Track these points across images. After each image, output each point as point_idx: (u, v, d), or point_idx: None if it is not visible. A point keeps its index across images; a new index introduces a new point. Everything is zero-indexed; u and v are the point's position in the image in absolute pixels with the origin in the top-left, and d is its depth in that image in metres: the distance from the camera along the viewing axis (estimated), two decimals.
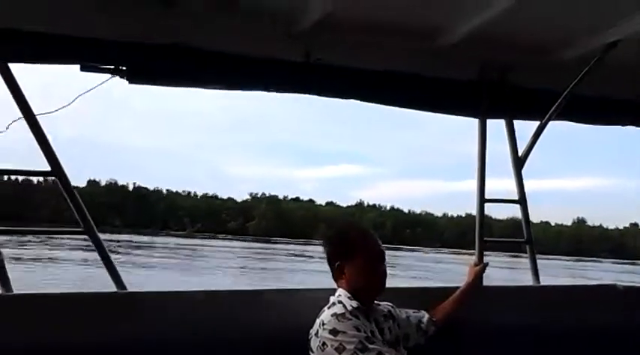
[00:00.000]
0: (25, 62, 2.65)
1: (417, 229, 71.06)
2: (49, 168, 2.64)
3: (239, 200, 79.58)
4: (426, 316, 2.85)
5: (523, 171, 3.50)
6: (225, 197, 78.93)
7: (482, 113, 3.37)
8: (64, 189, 2.67)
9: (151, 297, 2.80)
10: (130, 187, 74.33)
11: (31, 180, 49.60)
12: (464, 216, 71.98)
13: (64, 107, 2.71)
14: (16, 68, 2.59)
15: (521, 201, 3.53)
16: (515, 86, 3.39)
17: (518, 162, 3.48)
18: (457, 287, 3.12)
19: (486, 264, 3.26)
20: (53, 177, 2.66)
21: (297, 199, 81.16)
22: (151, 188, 76.74)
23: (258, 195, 79.40)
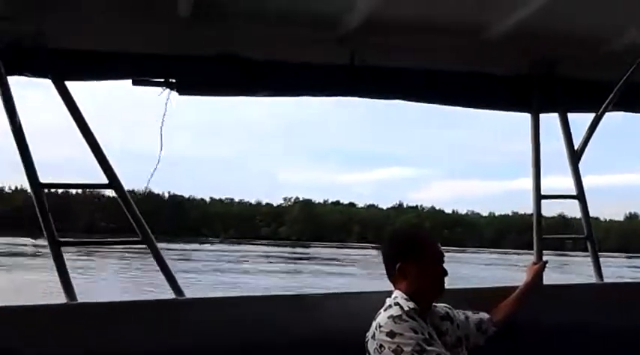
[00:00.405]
0: (80, 80, 2.76)
1: (457, 229, 68.74)
2: (106, 181, 2.73)
3: (275, 204, 78.94)
4: (486, 317, 2.81)
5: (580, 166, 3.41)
6: (262, 202, 78.10)
7: (535, 108, 3.30)
8: (121, 201, 2.75)
9: (208, 303, 2.86)
10: (166, 195, 74.31)
11: (69, 192, 50.71)
12: (510, 214, 70.24)
13: None
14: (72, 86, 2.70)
15: (580, 196, 3.43)
16: (567, 79, 3.31)
17: (575, 156, 3.39)
18: (516, 287, 3.05)
19: (546, 262, 3.19)
20: (111, 189, 2.74)
21: (337, 203, 79.71)
22: (186, 195, 76.51)
23: (292, 199, 78.47)
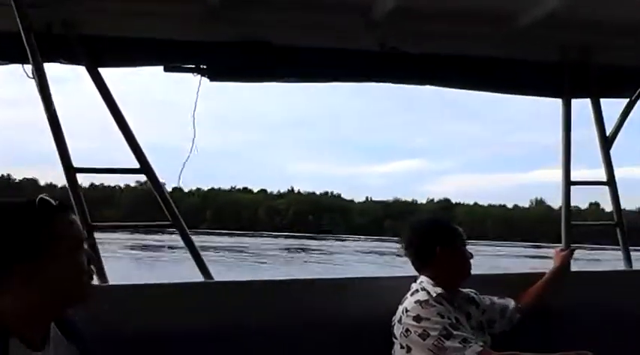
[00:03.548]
0: (113, 66, 2.80)
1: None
2: (138, 166, 2.78)
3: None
4: (512, 303, 2.81)
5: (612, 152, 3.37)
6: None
7: (566, 93, 3.27)
8: (153, 186, 2.80)
9: (235, 286, 2.90)
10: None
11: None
12: (527, 206, 66.44)
13: None
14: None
15: (610, 182, 3.39)
16: (598, 64, 3.27)
17: (606, 142, 3.35)
18: (543, 273, 3.05)
19: (574, 249, 3.17)
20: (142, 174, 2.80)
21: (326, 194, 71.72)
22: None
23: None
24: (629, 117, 3.41)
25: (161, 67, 2.87)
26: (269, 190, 66.00)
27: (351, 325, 2.77)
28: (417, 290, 2.46)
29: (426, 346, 2.29)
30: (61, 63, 2.72)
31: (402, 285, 2.57)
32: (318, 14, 2.82)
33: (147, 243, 30.95)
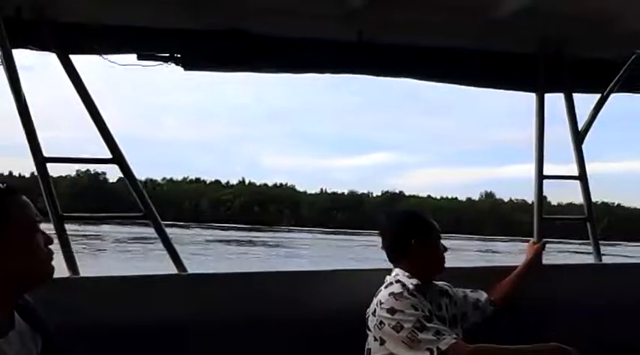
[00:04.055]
0: (85, 53, 2.75)
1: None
2: (110, 156, 2.73)
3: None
4: (484, 296, 2.83)
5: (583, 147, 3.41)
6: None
7: (540, 87, 3.30)
8: (125, 176, 2.76)
9: (210, 278, 2.88)
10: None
11: None
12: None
13: None
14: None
15: (582, 177, 3.43)
16: (573, 58, 3.30)
17: (578, 137, 3.39)
18: (516, 267, 3.08)
19: (546, 242, 3.20)
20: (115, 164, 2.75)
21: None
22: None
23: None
24: (600, 112, 3.45)
25: (134, 55, 2.82)
26: (223, 181, 64.46)
27: (325, 317, 2.77)
28: (391, 283, 2.46)
29: (399, 338, 2.29)
30: (30, 49, 2.65)
31: (376, 278, 2.57)
32: (296, 4, 2.79)
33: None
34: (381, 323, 2.34)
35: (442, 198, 63.26)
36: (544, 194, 3.38)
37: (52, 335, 1.72)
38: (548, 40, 3.21)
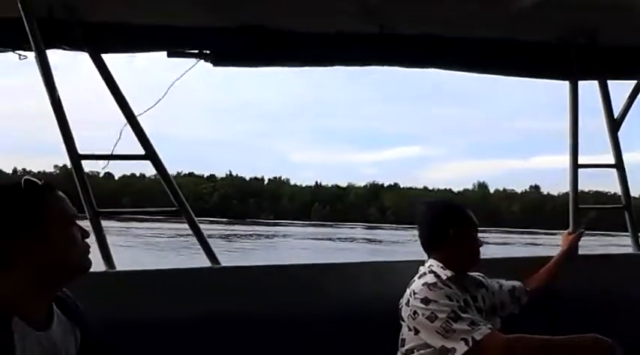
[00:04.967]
0: (116, 52, 2.79)
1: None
2: (143, 152, 2.77)
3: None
4: (519, 285, 2.80)
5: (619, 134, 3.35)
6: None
7: (573, 75, 3.24)
8: (158, 172, 2.80)
9: (242, 271, 2.90)
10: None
11: None
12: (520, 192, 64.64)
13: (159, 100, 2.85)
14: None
15: (618, 165, 3.37)
16: (607, 46, 3.24)
17: (614, 124, 3.33)
18: (551, 257, 3.04)
19: (582, 232, 3.16)
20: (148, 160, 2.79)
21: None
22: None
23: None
24: (637, 99, 3.39)
25: (164, 53, 2.86)
26: (219, 175, 62.59)
27: (358, 309, 2.77)
28: (424, 273, 2.45)
29: (434, 328, 2.28)
30: (63, 49, 2.70)
31: (410, 269, 2.56)
32: None
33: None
34: (414, 313, 2.33)
35: (434, 189, 60.78)
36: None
37: (90, 328, 1.76)
38: (580, 28, 3.16)
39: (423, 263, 2.56)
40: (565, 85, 3.29)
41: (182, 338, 2.57)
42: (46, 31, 2.59)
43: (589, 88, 3.33)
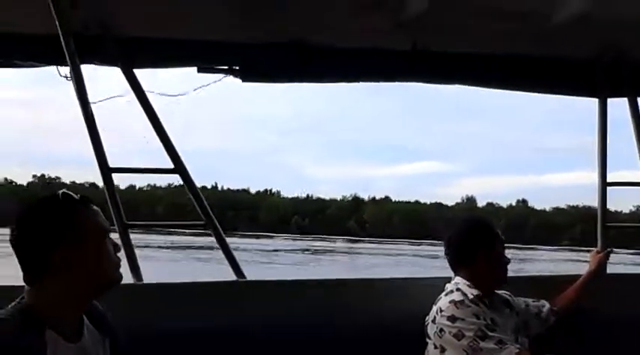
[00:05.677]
0: (147, 67, 2.84)
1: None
2: (172, 167, 2.81)
3: None
4: (547, 305, 2.77)
5: None
6: None
7: (602, 92, 3.22)
8: (186, 186, 2.83)
9: (268, 286, 2.92)
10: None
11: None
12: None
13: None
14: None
15: None
16: (635, 63, 3.21)
17: None
18: (579, 276, 3.00)
19: (610, 251, 3.12)
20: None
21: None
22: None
23: None
24: None
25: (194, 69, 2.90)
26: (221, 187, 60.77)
27: (384, 325, 2.76)
28: (451, 291, 2.44)
29: (460, 346, 2.26)
30: (96, 64, 2.76)
31: (435, 286, 2.55)
32: (351, 14, 2.81)
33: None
34: (441, 330, 2.32)
35: (407, 201, 58.98)
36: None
37: (120, 339, 1.78)
38: (608, 44, 3.14)
39: (449, 280, 2.55)
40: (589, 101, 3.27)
41: (208, 351, 2.58)
42: (81, 46, 2.64)
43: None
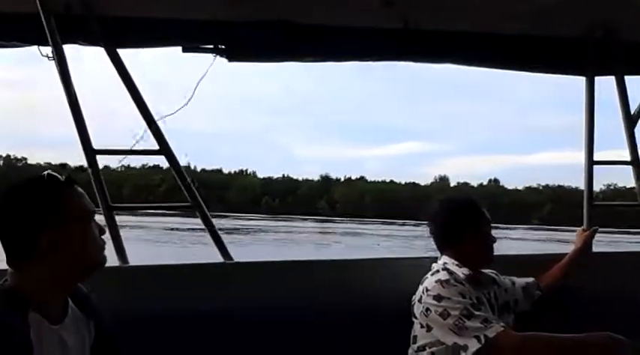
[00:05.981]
0: (131, 47, 2.80)
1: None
2: (157, 148, 2.79)
3: None
4: (532, 281, 2.80)
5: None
6: None
7: (590, 71, 3.22)
8: (172, 168, 2.81)
9: (256, 267, 2.92)
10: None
11: None
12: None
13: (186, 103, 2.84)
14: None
15: (634, 162, 3.34)
16: (623, 41, 3.20)
17: (630, 121, 3.30)
18: (565, 254, 3.02)
19: (596, 229, 3.13)
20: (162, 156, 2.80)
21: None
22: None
23: None
24: None
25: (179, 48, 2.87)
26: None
27: (370, 305, 2.77)
28: (437, 270, 2.45)
29: (446, 325, 2.28)
30: (79, 44, 2.72)
31: (422, 265, 2.56)
32: None
33: None
34: (427, 310, 2.34)
35: (379, 181, 58.60)
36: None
37: (105, 322, 1.78)
38: (597, 23, 3.13)
39: (435, 260, 2.56)
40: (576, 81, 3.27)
41: (195, 333, 2.59)
42: (63, 26, 2.60)
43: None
